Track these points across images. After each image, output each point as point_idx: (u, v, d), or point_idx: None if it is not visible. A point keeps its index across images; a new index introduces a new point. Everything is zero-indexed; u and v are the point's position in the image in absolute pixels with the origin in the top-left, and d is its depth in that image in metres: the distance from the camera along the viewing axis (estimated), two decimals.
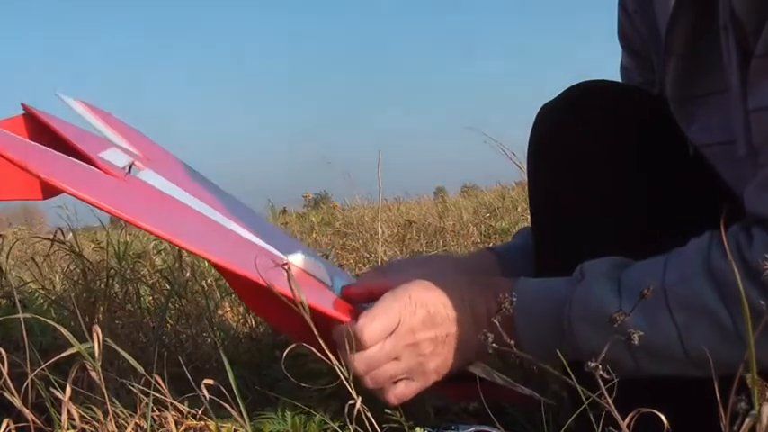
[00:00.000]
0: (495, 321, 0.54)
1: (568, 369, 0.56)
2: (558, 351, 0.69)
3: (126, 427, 0.76)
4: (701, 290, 0.62)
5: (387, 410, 0.78)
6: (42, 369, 0.77)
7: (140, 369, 0.74)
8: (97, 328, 0.72)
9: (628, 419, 0.48)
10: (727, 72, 0.65)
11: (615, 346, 0.55)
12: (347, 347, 0.72)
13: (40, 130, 0.85)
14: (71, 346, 0.75)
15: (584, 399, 0.52)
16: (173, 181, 0.88)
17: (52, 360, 0.76)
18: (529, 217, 0.91)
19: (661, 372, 0.67)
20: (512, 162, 2.10)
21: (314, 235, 3.17)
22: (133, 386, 0.77)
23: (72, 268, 1.57)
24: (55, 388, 0.76)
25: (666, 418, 0.52)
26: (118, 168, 0.81)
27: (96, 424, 0.77)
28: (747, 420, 0.46)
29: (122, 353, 0.74)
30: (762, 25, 0.60)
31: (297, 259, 0.82)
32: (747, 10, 0.61)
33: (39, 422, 0.75)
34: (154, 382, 0.76)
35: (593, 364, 0.45)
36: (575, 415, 0.64)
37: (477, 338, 0.67)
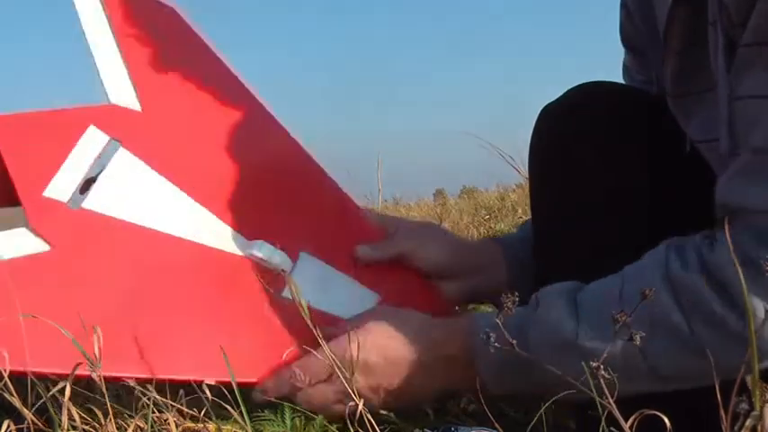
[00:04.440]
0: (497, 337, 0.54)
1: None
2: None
3: (126, 429, 0.76)
4: (657, 298, 0.62)
5: (383, 412, 0.78)
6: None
7: None
8: (98, 329, 0.72)
9: (631, 421, 0.48)
10: (714, 68, 0.65)
11: (579, 369, 0.53)
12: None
13: None
14: None
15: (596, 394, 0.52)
16: (157, 157, 0.86)
17: None
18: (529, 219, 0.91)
19: (631, 391, 0.62)
20: (511, 165, 2.09)
21: None
22: (134, 387, 0.77)
23: None
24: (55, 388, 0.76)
25: (668, 418, 0.52)
26: (61, 208, 0.81)
27: (97, 425, 0.76)
28: (748, 422, 0.46)
29: None
30: (749, 14, 0.60)
31: (257, 250, 0.84)
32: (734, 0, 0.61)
33: (39, 423, 0.75)
34: (155, 383, 0.76)
35: (594, 364, 0.45)
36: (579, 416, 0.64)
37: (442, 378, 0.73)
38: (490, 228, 2.80)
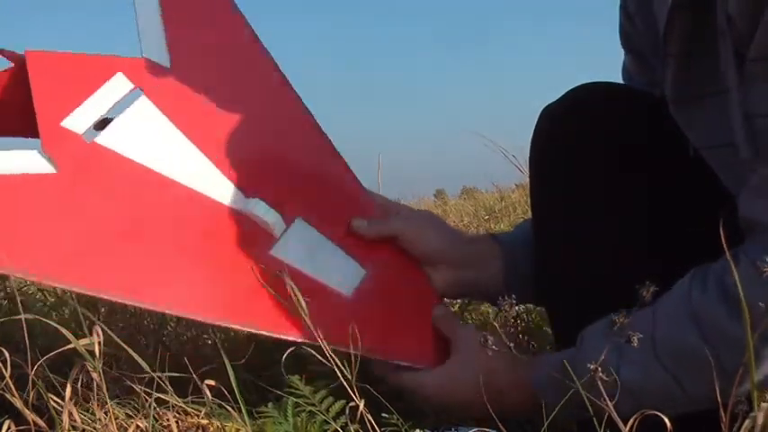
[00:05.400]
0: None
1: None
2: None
3: (127, 429, 0.76)
4: (684, 334, 0.64)
5: (384, 414, 0.78)
6: (43, 369, 0.77)
7: (145, 366, 0.74)
8: (98, 328, 0.72)
9: (631, 422, 0.48)
10: (726, 75, 0.65)
11: (625, 401, 0.56)
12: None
13: (22, 82, 0.87)
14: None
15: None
16: (175, 110, 0.90)
17: (52, 354, 0.76)
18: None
19: (675, 412, 0.66)
20: (512, 164, 2.09)
21: None
22: (135, 387, 0.77)
23: None
24: (56, 389, 0.77)
25: (667, 419, 0.52)
26: (75, 138, 0.84)
27: (97, 425, 0.77)
28: (747, 422, 0.46)
29: (127, 348, 0.74)
30: (755, 29, 0.60)
31: (253, 207, 0.86)
32: (742, 13, 0.61)
33: (40, 423, 0.75)
34: (157, 379, 0.76)
35: (592, 366, 0.46)
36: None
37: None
38: (490, 228, 2.80)
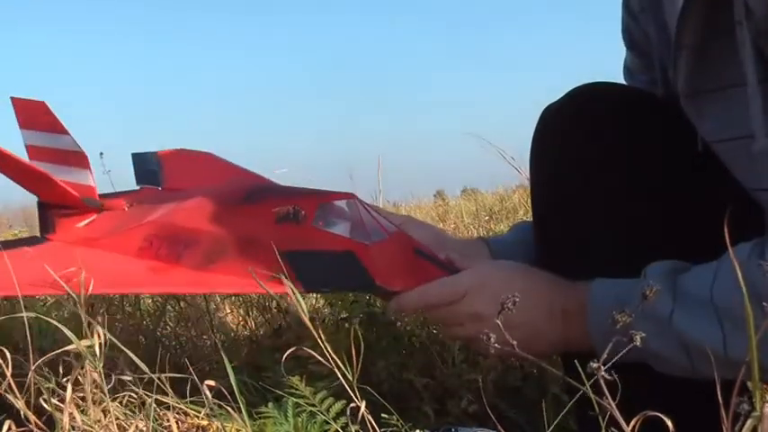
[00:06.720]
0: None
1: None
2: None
3: (127, 429, 0.76)
4: (741, 302, 0.63)
5: (384, 415, 0.78)
6: (43, 369, 0.77)
7: (144, 368, 0.74)
8: (98, 328, 0.72)
9: (633, 422, 0.48)
10: (744, 68, 0.65)
11: (672, 345, 0.55)
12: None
13: None
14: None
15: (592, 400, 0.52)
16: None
17: (53, 354, 0.76)
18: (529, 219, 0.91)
19: (704, 375, 0.66)
20: (512, 166, 2.09)
21: None
22: (135, 387, 0.77)
23: None
24: (55, 389, 0.76)
25: (668, 419, 0.52)
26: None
27: (97, 427, 0.77)
28: (749, 422, 0.46)
29: (126, 351, 0.74)
30: None
31: None
32: (762, 7, 0.61)
33: (40, 423, 0.75)
34: (157, 380, 0.76)
35: (595, 365, 0.45)
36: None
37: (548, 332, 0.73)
38: (490, 229, 2.80)
